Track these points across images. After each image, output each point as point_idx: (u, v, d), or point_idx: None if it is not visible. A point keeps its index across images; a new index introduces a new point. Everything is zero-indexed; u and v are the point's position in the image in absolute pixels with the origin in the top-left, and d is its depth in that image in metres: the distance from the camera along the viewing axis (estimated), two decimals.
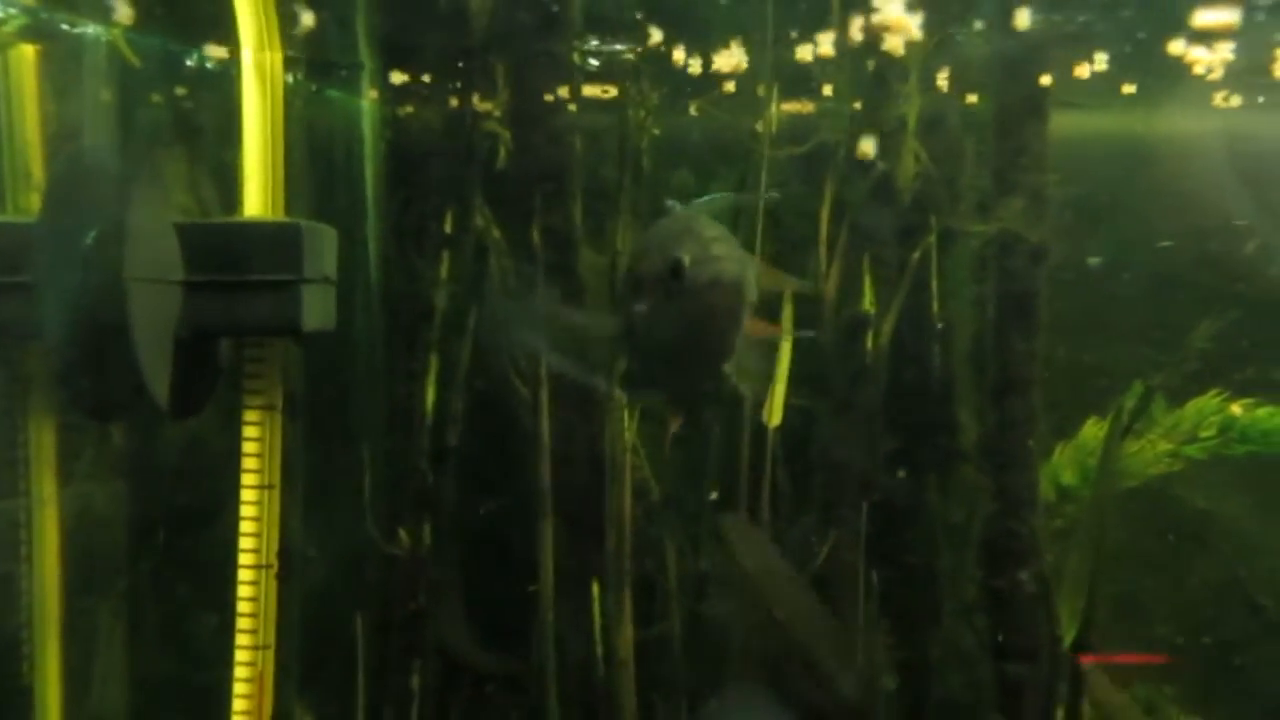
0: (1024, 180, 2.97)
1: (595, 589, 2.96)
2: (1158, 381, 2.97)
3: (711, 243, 1.72)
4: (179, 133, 2.55)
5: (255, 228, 2.14)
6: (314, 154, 3.02)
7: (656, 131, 3.20)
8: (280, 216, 2.23)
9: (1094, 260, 3.27)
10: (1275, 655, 3.29)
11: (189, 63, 2.64)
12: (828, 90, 3.21)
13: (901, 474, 3.11)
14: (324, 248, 2.21)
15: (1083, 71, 3.14)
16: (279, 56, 2.21)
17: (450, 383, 3.08)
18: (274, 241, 2.09)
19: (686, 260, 1.68)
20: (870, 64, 3.07)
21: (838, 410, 3.09)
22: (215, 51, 2.60)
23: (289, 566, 2.18)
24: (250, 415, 2.19)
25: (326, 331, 2.27)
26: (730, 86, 3.25)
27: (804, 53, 3.10)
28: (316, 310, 2.17)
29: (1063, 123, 2.99)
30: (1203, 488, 3.32)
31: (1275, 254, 3.17)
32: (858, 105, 3.15)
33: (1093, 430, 3.23)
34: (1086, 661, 2.81)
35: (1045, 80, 2.97)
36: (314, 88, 3.19)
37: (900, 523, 3.08)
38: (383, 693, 3.00)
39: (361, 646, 2.89)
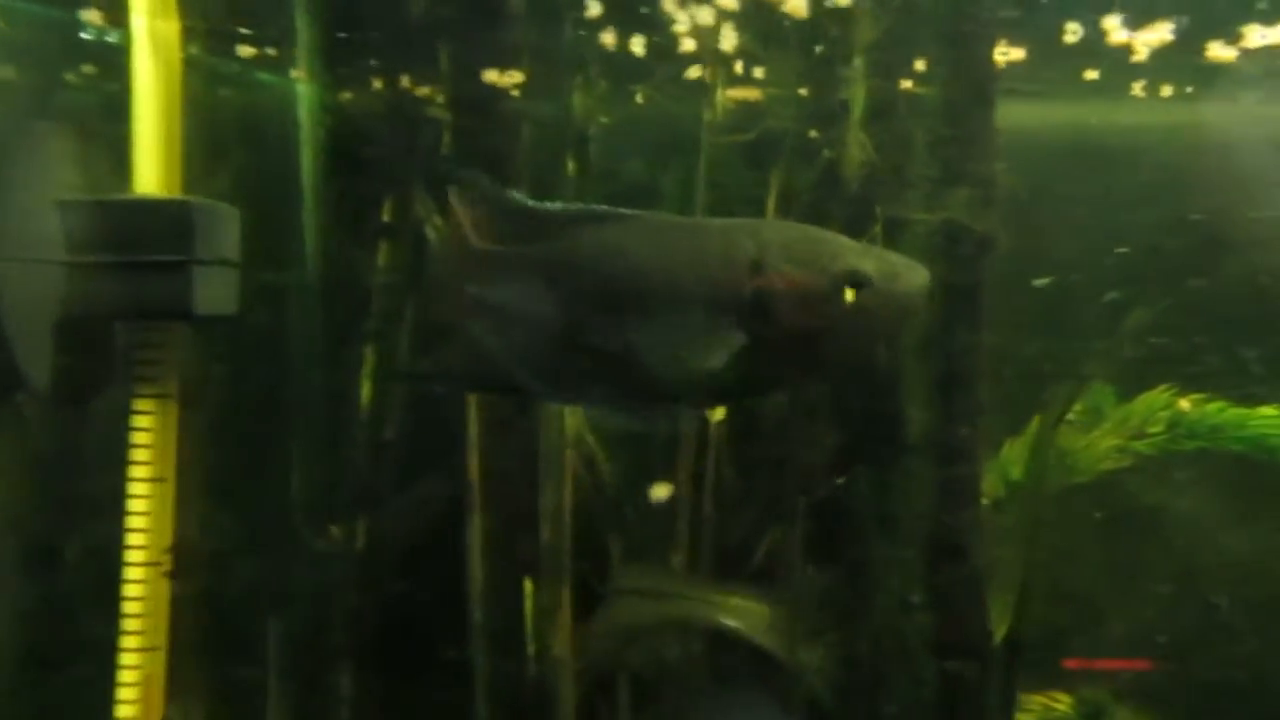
0: (971, 169, 2.91)
1: (529, 585, 2.90)
2: (1090, 372, 2.92)
3: None
4: (66, 106, 2.44)
5: (141, 206, 2.03)
6: (245, 138, 2.95)
7: (604, 119, 3.14)
8: (176, 195, 2.12)
9: (1040, 281, 3.21)
10: (1228, 654, 3.24)
11: (85, 35, 2.53)
12: (768, 73, 3.15)
13: (846, 467, 3.06)
14: (222, 228, 2.11)
15: (1025, 56, 3.08)
16: (175, 25, 2.10)
17: (387, 375, 3.02)
18: (162, 220, 1.99)
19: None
20: (818, 48, 3.02)
21: (782, 402, 3.03)
22: (95, 18, 2.49)
23: (181, 564, 2.08)
24: (142, 404, 2.08)
25: (226, 317, 2.16)
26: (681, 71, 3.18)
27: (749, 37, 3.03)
28: (213, 293, 2.07)
29: (1013, 112, 2.93)
30: (1154, 484, 3.27)
31: (1227, 248, 3.13)
32: (803, 91, 3.08)
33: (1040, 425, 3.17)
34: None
35: (994, 66, 2.91)
36: (239, 69, 3.10)
37: (842, 517, 3.02)
38: (310, 692, 2.94)
39: (279, 646, 2.81)
